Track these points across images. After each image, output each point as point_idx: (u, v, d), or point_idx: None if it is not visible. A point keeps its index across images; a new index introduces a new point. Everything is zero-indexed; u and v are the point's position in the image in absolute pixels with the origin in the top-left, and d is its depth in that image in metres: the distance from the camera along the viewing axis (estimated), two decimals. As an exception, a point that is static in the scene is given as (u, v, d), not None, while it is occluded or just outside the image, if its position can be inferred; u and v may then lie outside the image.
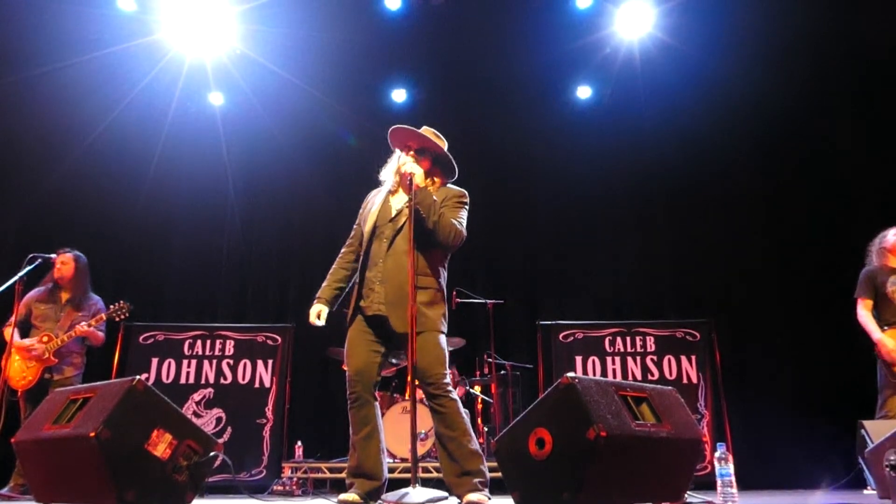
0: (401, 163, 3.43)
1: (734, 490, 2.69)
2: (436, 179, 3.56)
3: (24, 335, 5.01)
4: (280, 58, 6.95)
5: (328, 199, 7.24)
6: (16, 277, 4.75)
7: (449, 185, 3.62)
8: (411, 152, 3.47)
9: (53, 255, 5.05)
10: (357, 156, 7.01)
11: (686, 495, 2.76)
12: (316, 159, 7.44)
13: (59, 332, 4.94)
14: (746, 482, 5.15)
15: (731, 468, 2.71)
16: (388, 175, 3.65)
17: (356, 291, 3.45)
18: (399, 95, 7.56)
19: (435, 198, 3.40)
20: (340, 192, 7.13)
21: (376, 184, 3.73)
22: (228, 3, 6.53)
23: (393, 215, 3.49)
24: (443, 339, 3.40)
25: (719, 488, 2.70)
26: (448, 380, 3.36)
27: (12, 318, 4.89)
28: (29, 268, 4.80)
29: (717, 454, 2.76)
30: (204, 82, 7.18)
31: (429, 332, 3.34)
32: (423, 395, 3.41)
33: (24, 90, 6.51)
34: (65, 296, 5.11)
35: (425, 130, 3.58)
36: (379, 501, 3.25)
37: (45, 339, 4.92)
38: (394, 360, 5.92)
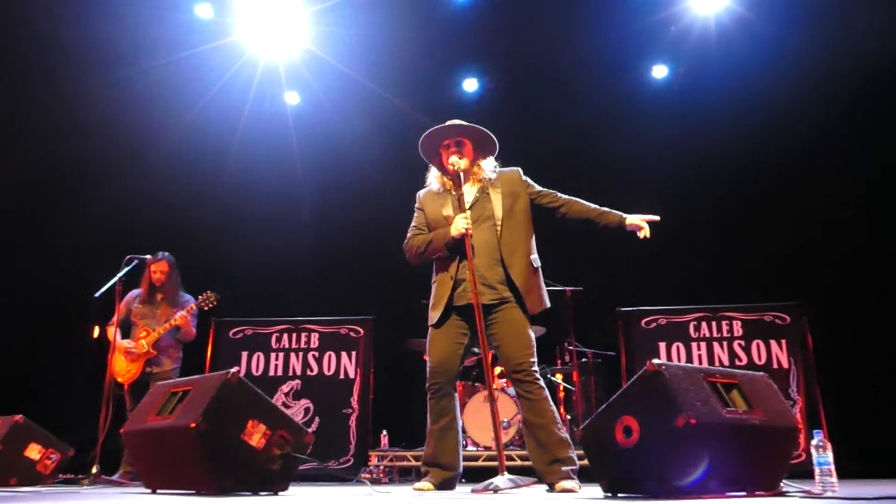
0: (449, 162, 3.55)
1: (834, 479, 2.59)
2: (481, 164, 3.65)
3: (124, 333, 5.33)
4: (349, 57, 7.07)
5: (401, 191, 7.31)
6: (115, 279, 5.08)
7: (503, 169, 3.69)
8: (452, 148, 3.60)
9: (148, 256, 5.36)
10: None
11: (781, 484, 2.68)
12: (388, 152, 7.51)
13: (156, 326, 5.23)
14: (843, 471, 4.95)
15: (830, 456, 2.60)
16: (432, 178, 3.76)
17: (447, 290, 3.48)
18: (470, 85, 7.57)
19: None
20: (410, 184, 7.19)
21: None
22: (300, 5, 6.67)
23: (470, 205, 3.54)
24: (529, 324, 3.45)
25: (817, 477, 2.60)
26: (536, 367, 3.37)
27: (115, 318, 5.21)
28: (127, 269, 5.15)
29: (813, 442, 2.66)
30: (277, 82, 7.37)
31: (520, 315, 3.39)
32: (510, 383, 3.46)
33: (109, 92, 6.81)
34: (160, 295, 5.43)
35: (449, 125, 3.67)
36: (470, 490, 3.29)
37: (144, 333, 5.23)
38: (475, 349, 5.96)
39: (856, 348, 6.25)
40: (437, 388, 3.47)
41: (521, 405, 3.41)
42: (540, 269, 3.57)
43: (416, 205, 3.79)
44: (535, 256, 3.56)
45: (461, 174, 3.48)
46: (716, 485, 2.39)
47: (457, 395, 3.57)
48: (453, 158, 3.54)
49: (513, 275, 3.41)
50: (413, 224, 3.74)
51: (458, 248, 3.44)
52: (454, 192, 3.52)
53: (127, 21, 6.57)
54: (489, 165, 3.67)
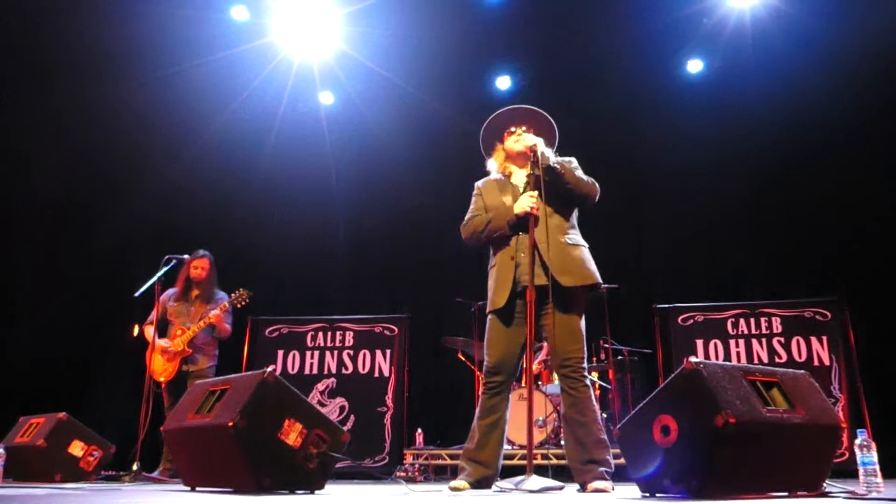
0: (526, 142, 3.47)
1: (879, 479, 2.52)
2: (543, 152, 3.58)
3: (161, 331, 5.40)
4: (382, 57, 7.10)
5: (435, 189, 7.34)
6: (154, 278, 5.16)
7: (562, 158, 3.64)
8: (521, 128, 3.56)
9: (186, 256, 5.42)
10: (462, 146, 7.03)
11: (824, 485, 2.62)
12: (421, 151, 7.53)
13: (191, 324, 5.29)
14: (888, 471, 4.83)
15: (874, 456, 2.54)
16: (493, 166, 3.70)
17: (509, 274, 3.41)
18: (503, 83, 7.54)
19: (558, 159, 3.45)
20: (446, 182, 7.22)
21: (481, 172, 3.78)
22: (334, 7, 6.72)
23: (522, 191, 3.51)
24: (583, 320, 3.41)
25: (862, 477, 2.54)
26: (585, 364, 3.33)
27: (152, 317, 5.29)
28: (165, 269, 5.22)
29: (857, 441, 2.60)
30: (311, 82, 7.44)
31: (573, 313, 3.34)
32: (548, 378, 3.42)
33: (146, 93, 6.94)
34: (195, 292, 5.46)
35: (515, 108, 3.65)
36: (495, 486, 3.28)
37: (179, 332, 5.28)
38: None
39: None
40: (494, 386, 3.42)
41: (563, 400, 3.36)
42: (584, 248, 3.51)
43: (474, 192, 3.74)
44: (581, 237, 3.54)
45: (536, 152, 3.36)
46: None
47: (510, 394, 3.52)
48: (529, 137, 3.48)
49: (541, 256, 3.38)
50: (471, 208, 3.70)
51: (520, 228, 3.40)
52: (528, 175, 3.45)
53: (165, 23, 6.68)
54: (550, 155, 3.62)
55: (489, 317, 3.49)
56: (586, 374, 3.33)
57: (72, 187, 7.24)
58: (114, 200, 7.28)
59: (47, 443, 4.43)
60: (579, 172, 3.51)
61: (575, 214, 3.58)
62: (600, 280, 3.43)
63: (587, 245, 3.53)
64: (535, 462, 3.09)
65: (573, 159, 3.62)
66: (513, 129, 3.61)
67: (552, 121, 3.63)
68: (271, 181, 7.55)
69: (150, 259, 5.47)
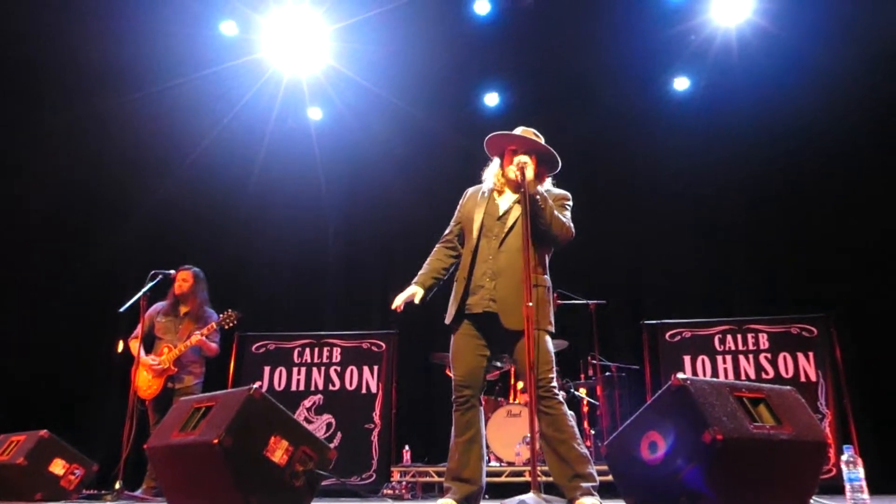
0: (516, 161, 3.38)
1: (865, 495, 2.53)
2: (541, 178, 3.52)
3: (148, 347, 5.34)
4: (371, 72, 7.11)
5: (424, 205, 7.34)
6: (140, 293, 5.12)
7: (552, 188, 3.60)
8: (520, 153, 3.45)
9: (172, 272, 5.38)
10: (452, 162, 7.07)
11: (811, 501, 2.62)
12: (411, 167, 7.55)
13: (178, 343, 5.23)
14: (875, 487, 4.84)
15: (860, 472, 2.55)
16: (489, 175, 3.64)
17: (461, 291, 3.42)
18: (491, 99, 7.57)
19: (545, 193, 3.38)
20: (435, 197, 7.22)
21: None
22: (323, 22, 6.74)
23: (501, 214, 3.49)
24: (550, 339, 3.38)
25: (848, 493, 2.55)
26: (555, 382, 3.32)
27: (138, 331, 5.23)
28: (151, 284, 5.19)
29: (844, 457, 2.61)
30: (300, 98, 7.45)
31: (539, 332, 3.30)
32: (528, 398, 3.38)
33: (135, 110, 6.90)
34: (184, 309, 5.40)
35: (523, 131, 3.58)
36: None
37: (166, 349, 5.22)
38: (497, 364, 5.92)
39: (887, 360, 6.12)
40: (464, 401, 3.42)
41: (540, 420, 3.35)
42: (545, 289, 3.43)
43: (461, 199, 3.71)
44: (545, 278, 3.46)
45: (525, 172, 3.30)
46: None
47: (482, 408, 3.52)
48: (522, 157, 3.40)
49: (496, 285, 3.36)
50: (453, 219, 3.70)
51: (476, 243, 3.42)
52: (515, 202, 3.44)
53: (153, 39, 6.68)
54: (545, 185, 3.56)
55: (451, 332, 3.48)
56: (557, 390, 3.31)
57: (60, 204, 7.19)
58: (103, 216, 7.25)
59: (28, 461, 4.36)
60: (567, 214, 3.48)
61: (548, 255, 3.53)
62: (549, 328, 3.36)
63: (550, 286, 3.46)
64: (523, 479, 3.06)
65: (568, 195, 3.58)
66: (514, 148, 3.51)
67: (555, 153, 3.54)
68: (261, 197, 7.53)
69: (140, 275, 5.41)
